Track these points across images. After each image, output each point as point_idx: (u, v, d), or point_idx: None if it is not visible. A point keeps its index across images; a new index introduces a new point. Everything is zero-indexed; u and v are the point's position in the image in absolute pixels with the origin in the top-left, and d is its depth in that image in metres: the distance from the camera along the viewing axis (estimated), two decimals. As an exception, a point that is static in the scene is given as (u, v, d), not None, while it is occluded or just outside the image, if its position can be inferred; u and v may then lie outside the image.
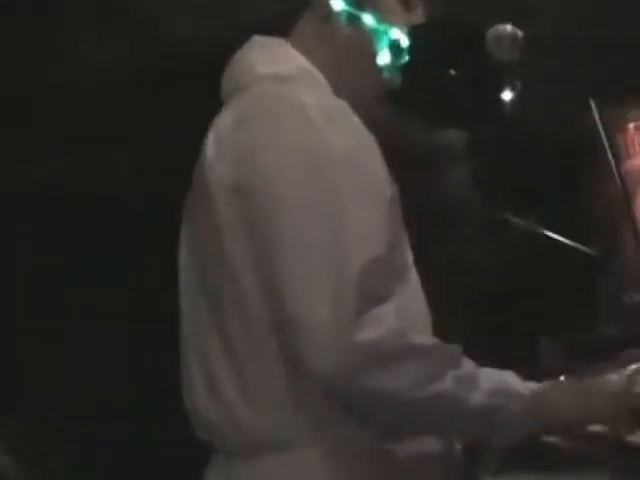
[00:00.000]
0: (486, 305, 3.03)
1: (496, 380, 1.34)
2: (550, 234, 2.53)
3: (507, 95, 3.55)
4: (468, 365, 1.33)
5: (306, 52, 1.45)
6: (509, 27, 1.63)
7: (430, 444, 1.39)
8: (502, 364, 1.37)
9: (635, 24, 3.11)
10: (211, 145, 1.39)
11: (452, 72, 2.97)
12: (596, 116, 1.81)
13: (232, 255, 1.33)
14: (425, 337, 1.35)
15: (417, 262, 1.48)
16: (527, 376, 1.40)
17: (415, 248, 1.49)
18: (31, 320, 2.76)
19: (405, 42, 1.49)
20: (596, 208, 3.52)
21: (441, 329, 1.43)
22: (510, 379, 1.36)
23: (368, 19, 1.43)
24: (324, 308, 1.22)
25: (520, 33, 1.62)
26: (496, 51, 1.64)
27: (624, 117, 3.67)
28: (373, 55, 1.47)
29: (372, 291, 1.25)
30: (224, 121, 1.39)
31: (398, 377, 1.24)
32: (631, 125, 3.94)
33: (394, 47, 1.48)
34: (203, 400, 1.39)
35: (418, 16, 1.51)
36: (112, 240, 2.80)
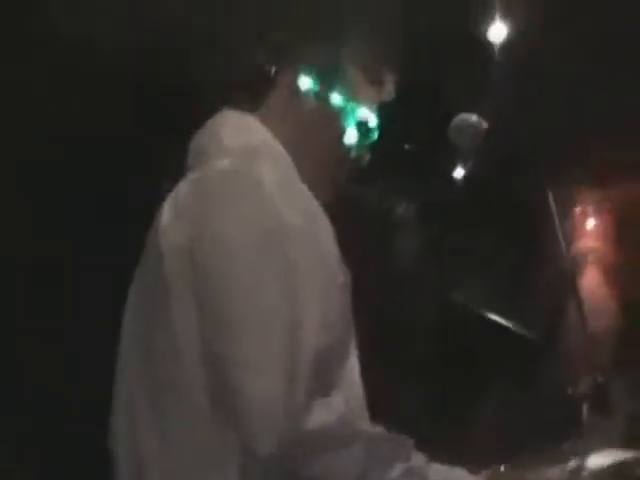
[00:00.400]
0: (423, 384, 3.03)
1: (445, 476, 1.32)
2: (493, 316, 2.53)
3: (459, 173, 3.62)
4: (419, 459, 1.31)
5: (273, 127, 1.45)
6: (474, 117, 1.62)
7: None
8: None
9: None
10: (167, 210, 1.37)
11: (407, 146, 2.99)
12: (551, 201, 1.82)
13: (178, 319, 1.30)
14: (374, 427, 1.33)
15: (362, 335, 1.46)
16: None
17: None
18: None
19: (373, 121, 1.49)
20: (542, 290, 3.57)
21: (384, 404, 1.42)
22: (459, 474, 1.35)
23: (336, 98, 1.43)
24: (276, 388, 1.20)
25: (484, 124, 1.62)
26: (458, 140, 1.63)
27: (570, 201, 3.76)
28: (339, 133, 1.46)
29: (323, 377, 1.23)
30: (183, 190, 1.38)
31: (343, 465, 1.21)
32: (577, 209, 4.05)
33: (361, 126, 1.48)
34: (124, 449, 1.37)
35: (388, 93, 1.52)
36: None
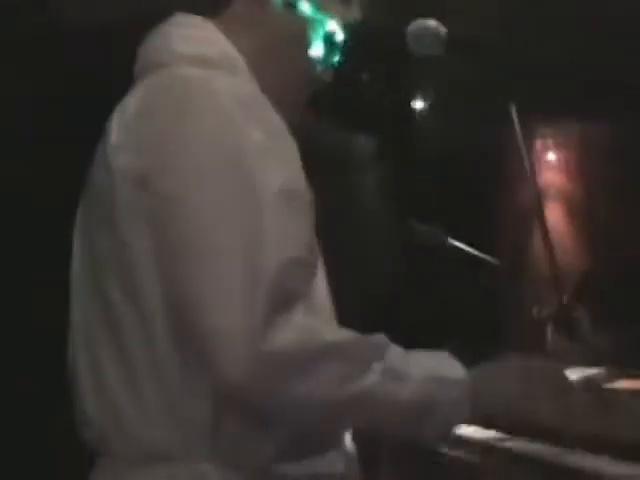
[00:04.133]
0: (390, 311, 3.01)
1: (428, 367, 1.25)
2: (457, 243, 2.50)
3: (419, 104, 3.56)
4: (395, 355, 1.24)
5: (233, 36, 1.35)
6: (432, 22, 1.54)
7: (333, 464, 1.32)
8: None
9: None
10: (115, 130, 1.27)
11: (365, 77, 2.93)
12: (516, 122, 1.76)
13: (132, 250, 1.24)
14: (341, 332, 1.25)
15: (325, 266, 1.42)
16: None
17: (323, 252, 1.43)
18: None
19: (340, 36, 1.41)
20: (505, 219, 3.57)
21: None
22: (445, 363, 1.28)
23: (305, 6, 1.36)
24: (235, 315, 1.13)
25: (443, 29, 1.54)
26: (417, 47, 1.54)
27: (530, 134, 3.75)
28: (305, 45, 1.38)
29: (288, 294, 1.17)
30: (132, 104, 1.27)
31: (315, 382, 1.16)
32: (538, 142, 4.05)
33: (328, 40, 1.40)
34: (90, 403, 1.29)
35: (355, 12, 1.45)
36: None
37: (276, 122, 1.26)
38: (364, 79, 2.99)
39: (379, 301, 3.07)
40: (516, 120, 1.74)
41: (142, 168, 1.21)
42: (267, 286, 1.14)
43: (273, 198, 1.18)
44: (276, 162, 1.21)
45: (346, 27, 1.41)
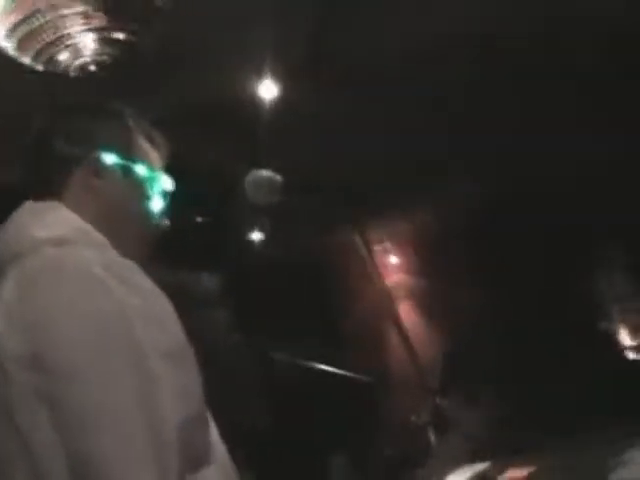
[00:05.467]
0: (269, 438, 2.96)
1: None
2: (320, 365, 2.51)
3: (257, 235, 3.65)
4: None
5: (80, 209, 1.41)
6: (267, 172, 1.67)
7: None
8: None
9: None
10: None
11: (198, 219, 2.98)
12: (362, 244, 1.85)
13: (26, 428, 1.20)
14: None
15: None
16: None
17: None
18: None
19: (170, 187, 1.50)
20: (358, 331, 3.61)
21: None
22: None
23: (140, 169, 1.44)
24: (146, 475, 1.13)
25: (278, 178, 1.67)
26: (255, 196, 1.67)
27: (368, 241, 3.86)
28: (144, 203, 1.46)
29: (190, 451, 1.18)
30: (8, 292, 1.29)
31: None
32: (379, 247, 4.17)
33: (163, 192, 1.49)
34: None
35: (163, 157, 1.52)
36: None
37: (146, 284, 1.29)
38: (197, 220, 3.02)
39: (256, 431, 3.03)
40: (363, 243, 1.84)
41: (30, 348, 1.22)
42: (173, 444, 1.16)
43: (162, 360, 1.21)
44: (157, 325, 1.25)
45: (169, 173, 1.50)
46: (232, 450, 1.40)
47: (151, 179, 1.47)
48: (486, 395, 2.31)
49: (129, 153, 1.45)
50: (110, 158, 1.43)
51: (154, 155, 1.50)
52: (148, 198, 1.47)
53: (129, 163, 1.44)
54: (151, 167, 1.47)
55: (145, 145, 1.49)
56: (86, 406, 1.18)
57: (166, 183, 1.51)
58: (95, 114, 1.46)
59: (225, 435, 1.41)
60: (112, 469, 1.15)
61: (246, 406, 3.35)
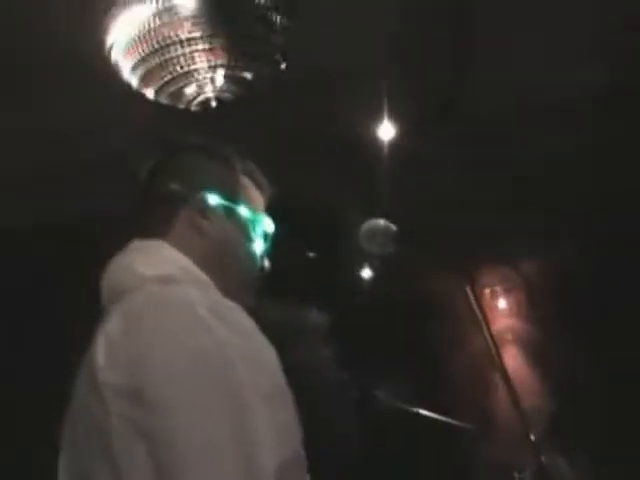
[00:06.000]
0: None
1: None
2: (421, 410, 2.48)
3: (367, 273, 3.65)
4: None
5: (184, 248, 1.43)
6: (382, 222, 1.62)
7: None
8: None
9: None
10: (101, 351, 1.31)
11: (310, 254, 3.00)
12: (472, 298, 1.82)
13: (124, 462, 1.23)
14: None
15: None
16: None
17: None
18: None
19: (272, 228, 1.51)
20: (463, 377, 3.56)
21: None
22: None
23: (243, 210, 1.46)
24: None
25: (393, 227, 1.63)
26: (369, 246, 1.63)
27: (478, 284, 3.82)
28: (247, 244, 1.47)
29: None
30: (113, 326, 1.32)
31: None
32: (487, 291, 4.13)
33: (266, 234, 1.50)
34: None
35: (269, 198, 1.54)
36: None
37: (249, 325, 1.30)
38: (308, 256, 3.05)
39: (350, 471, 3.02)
40: (473, 297, 1.81)
41: (130, 382, 1.24)
42: None
43: (261, 400, 1.21)
44: (256, 365, 1.25)
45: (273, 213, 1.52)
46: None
47: (254, 221, 1.48)
48: (587, 458, 2.24)
49: (234, 195, 1.47)
50: (215, 199, 1.44)
51: (258, 197, 1.52)
52: (251, 240, 1.48)
53: (233, 204, 1.46)
54: (254, 209, 1.49)
55: (250, 187, 1.51)
56: (185, 443, 1.19)
57: (269, 226, 1.52)
58: (202, 155, 1.48)
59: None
60: None
61: (346, 445, 3.34)
